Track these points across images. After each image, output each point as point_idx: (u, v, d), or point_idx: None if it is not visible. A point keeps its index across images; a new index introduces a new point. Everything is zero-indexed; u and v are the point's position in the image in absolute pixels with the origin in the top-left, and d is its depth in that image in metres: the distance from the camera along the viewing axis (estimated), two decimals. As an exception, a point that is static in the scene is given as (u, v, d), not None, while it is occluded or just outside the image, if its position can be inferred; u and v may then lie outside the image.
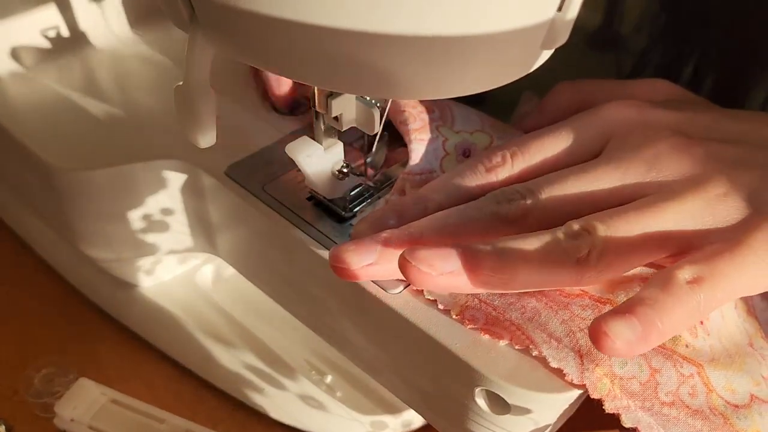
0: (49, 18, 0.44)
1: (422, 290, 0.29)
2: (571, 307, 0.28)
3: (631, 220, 0.28)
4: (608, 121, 0.32)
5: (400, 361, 0.31)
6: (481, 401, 0.28)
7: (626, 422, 0.26)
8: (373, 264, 0.28)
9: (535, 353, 0.27)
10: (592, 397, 0.26)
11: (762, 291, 0.28)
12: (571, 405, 0.28)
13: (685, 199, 0.28)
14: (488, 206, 0.29)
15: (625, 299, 0.27)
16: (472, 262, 0.26)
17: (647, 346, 0.25)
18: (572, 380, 0.26)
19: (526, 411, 0.27)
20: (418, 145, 0.34)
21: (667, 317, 0.25)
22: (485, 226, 0.29)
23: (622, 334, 0.24)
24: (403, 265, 0.27)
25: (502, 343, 0.27)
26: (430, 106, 0.36)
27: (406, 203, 0.31)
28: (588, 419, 0.34)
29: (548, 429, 0.28)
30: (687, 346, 0.28)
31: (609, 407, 0.26)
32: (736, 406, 0.27)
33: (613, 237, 0.27)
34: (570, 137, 0.32)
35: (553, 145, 0.32)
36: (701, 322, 0.29)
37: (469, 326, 0.28)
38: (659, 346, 0.27)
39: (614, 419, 0.41)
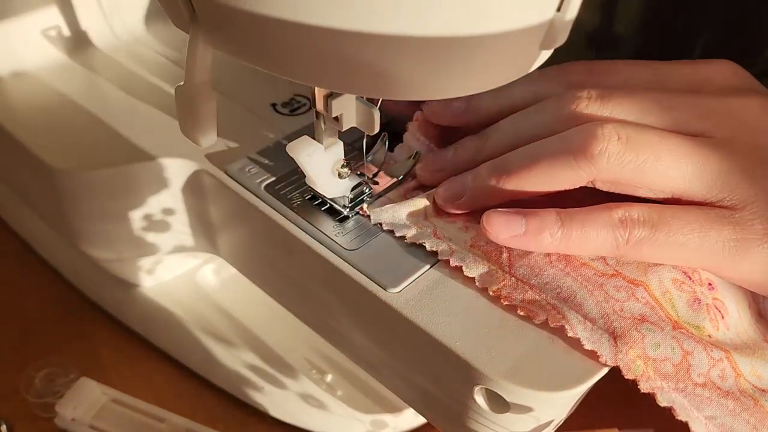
0: (50, 18, 0.44)
1: (461, 266, 0.30)
2: (606, 287, 0.29)
3: (672, 149, 0.28)
4: (706, 69, 0.33)
5: (399, 359, 0.31)
6: (480, 400, 0.28)
7: (661, 402, 0.26)
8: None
9: (570, 334, 0.27)
10: (626, 377, 0.26)
11: (694, 267, 0.30)
12: (571, 403, 0.28)
13: (744, 158, 0.29)
14: (563, 105, 0.30)
15: (658, 284, 0.29)
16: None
17: (537, 246, 0.29)
18: (606, 362, 0.27)
19: (525, 409, 0.27)
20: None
21: (574, 234, 0.28)
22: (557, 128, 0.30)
23: (497, 230, 0.29)
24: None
25: (537, 320, 0.28)
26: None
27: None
28: (588, 419, 0.34)
29: (548, 427, 0.28)
30: (710, 336, 0.29)
31: (644, 387, 0.26)
32: (763, 391, 0.28)
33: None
34: (663, 71, 0.33)
35: (643, 71, 0.33)
36: (722, 317, 0.30)
37: (505, 303, 0.29)
38: (687, 332, 0.28)
39: (614, 419, 0.41)
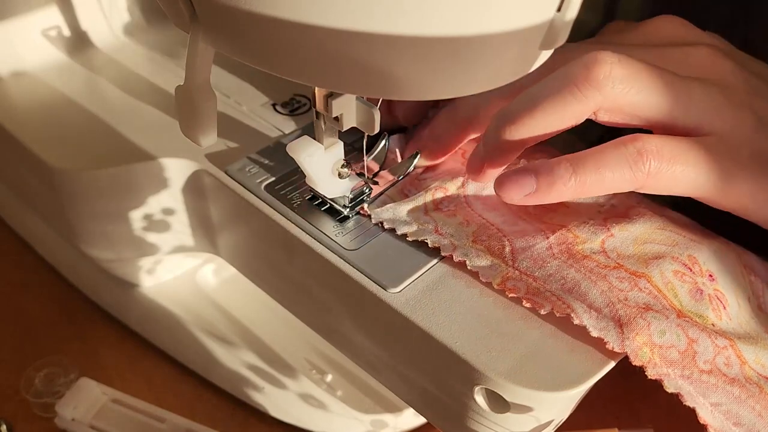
0: (51, 18, 0.44)
1: (465, 261, 0.30)
2: (609, 278, 0.29)
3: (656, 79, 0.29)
4: (655, 26, 0.35)
5: (400, 359, 0.31)
6: (480, 400, 0.28)
7: (668, 388, 0.27)
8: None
9: (576, 322, 0.27)
10: (634, 364, 0.27)
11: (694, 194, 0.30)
12: (571, 403, 0.28)
13: (708, 91, 0.30)
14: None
15: (660, 275, 0.29)
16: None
17: (554, 198, 0.29)
18: (613, 348, 0.27)
19: (525, 409, 0.27)
20: None
21: (589, 178, 0.28)
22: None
23: (509, 189, 0.29)
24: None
25: (543, 311, 0.28)
26: None
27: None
28: (588, 419, 0.34)
29: (548, 427, 0.28)
30: (713, 325, 0.29)
31: (651, 374, 0.27)
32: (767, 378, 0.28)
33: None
34: (607, 38, 0.35)
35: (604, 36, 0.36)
36: (724, 307, 0.30)
37: (510, 295, 0.29)
38: (691, 320, 0.28)
39: (614, 419, 0.41)
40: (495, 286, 0.29)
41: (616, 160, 0.28)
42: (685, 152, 0.29)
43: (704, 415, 0.27)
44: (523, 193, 0.29)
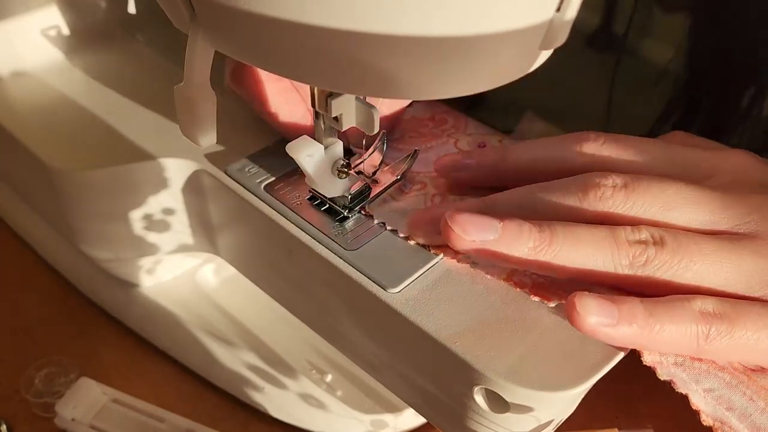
0: (50, 18, 0.45)
1: (469, 263, 0.30)
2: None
3: (706, 252, 0.28)
4: (722, 159, 0.32)
5: (399, 359, 0.31)
6: (480, 400, 0.28)
7: (661, 376, 0.27)
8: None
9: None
10: (631, 348, 0.27)
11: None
12: (571, 403, 0.28)
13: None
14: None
15: None
16: (512, 238, 0.28)
17: (620, 339, 0.27)
18: None
19: (525, 409, 0.27)
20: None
21: (658, 327, 0.26)
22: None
23: (589, 314, 0.26)
24: (444, 226, 0.28)
25: (552, 304, 0.29)
26: (444, 117, 0.39)
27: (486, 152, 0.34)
28: (588, 419, 0.34)
29: (548, 427, 0.28)
30: None
31: (647, 360, 0.27)
32: (754, 370, 0.29)
33: (677, 263, 0.28)
34: (677, 152, 0.32)
35: (655, 149, 0.32)
36: None
37: (517, 289, 0.29)
38: None
39: (614, 419, 0.41)
40: (501, 280, 0.30)
41: (681, 316, 0.27)
42: (745, 315, 0.27)
43: (697, 401, 0.27)
44: (601, 324, 0.27)
